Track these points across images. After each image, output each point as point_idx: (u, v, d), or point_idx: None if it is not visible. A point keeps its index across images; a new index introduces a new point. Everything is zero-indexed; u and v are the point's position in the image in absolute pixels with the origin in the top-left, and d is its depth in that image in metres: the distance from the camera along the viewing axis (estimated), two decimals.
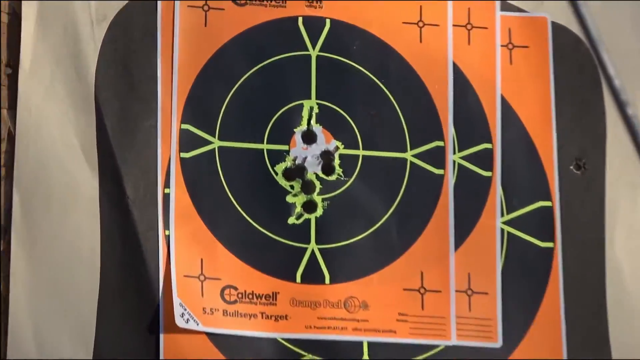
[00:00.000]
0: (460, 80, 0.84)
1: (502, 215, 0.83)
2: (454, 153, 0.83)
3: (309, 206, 0.84)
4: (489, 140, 0.84)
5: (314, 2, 0.82)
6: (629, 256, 0.82)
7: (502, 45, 0.84)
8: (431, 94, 0.84)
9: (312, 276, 0.82)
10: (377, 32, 0.83)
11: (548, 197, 0.82)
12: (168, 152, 0.82)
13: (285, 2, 0.82)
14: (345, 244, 0.83)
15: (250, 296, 0.80)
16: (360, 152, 0.83)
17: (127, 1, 0.81)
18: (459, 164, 0.83)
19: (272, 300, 0.80)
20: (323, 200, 0.83)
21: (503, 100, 0.84)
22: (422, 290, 0.81)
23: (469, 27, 0.83)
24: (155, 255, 0.81)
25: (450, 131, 0.83)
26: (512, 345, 0.81)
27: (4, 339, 0.77)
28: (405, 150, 0.83)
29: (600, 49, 0.47)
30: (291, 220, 0.83)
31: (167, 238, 0.81)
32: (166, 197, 0.82)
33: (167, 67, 0.82)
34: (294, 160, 0.83)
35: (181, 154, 0.82)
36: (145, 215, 0.82)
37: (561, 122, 0.84)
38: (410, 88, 0.84)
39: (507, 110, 0.84)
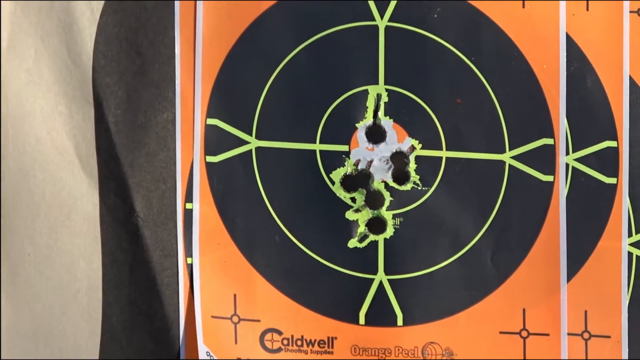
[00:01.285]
0: (576, 59, 0.72)
1: (630, 235, 0.73)
2: (567, 154, 0.73)
3: (376, 225, 0.75)
4: (613, 137, 0.72)
5: None
6: None
7: (631, 12, 0.71)
8: (537, 76, 0.72)
9: (380, 316, 0.74)
10: None
11: None
12: (190, 155, 0.75)
13: None
14: (422, 273, 0.74)
15: (300, 342, 0.74)
16: (444, 154, 0.73)
17: None
18: (573, 167, 0.73)
19: (328, 347, 0.74)
20: (394, 216, 0.74)
21: (633, 84, 0.72)
22: (524, 334, 0.74)
23: None
24: (174, 291, 0.75)
25: (562, 125, 0.72)
26: None
27: None
28: (502, 151, 0.73)
29: None
30: (352, 243, 0.75)
31: (190, 268, 0.75)
32: (188, 213, 0.75)
33: (187, 44, 0.74)
34: (356, 164, 0.74)
35: (207, 157, 0.75)
36: (161, 238, 0.75)
37: None
38: (509, 68, 0.72)
39: (638, 98, 0.72)
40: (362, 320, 0.75)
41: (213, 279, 0.75)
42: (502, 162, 0.74)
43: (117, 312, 0.75)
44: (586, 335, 0.74)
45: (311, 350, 0.74)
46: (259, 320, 0.75)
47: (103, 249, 0.75)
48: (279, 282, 0.75)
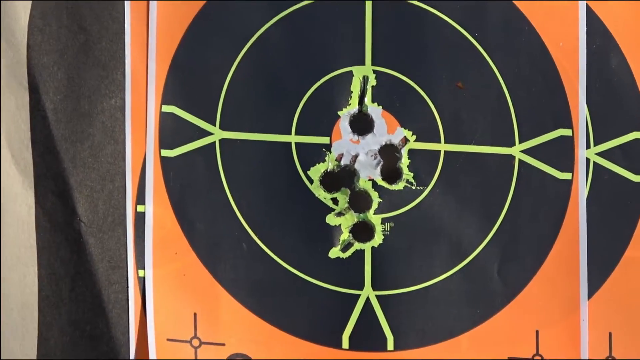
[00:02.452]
0: (598, 34, 0.72)
1: None
2: (588, 147, 0.72)
3: (362, 231, 0.74)
4: None
5: None
6: None
7: None
8: (552, 54, 0.72)
9: (367, 339, 0.73)
10: None
11: None
12: (142, 149, 0.74)
13: None
14: (417, 289, 0.73)
15: None
16: (442, 147, 0.73)
17: None
18: (595, 163, 0.72)
19: None
20: (383, 221, 0.73)
21: None
22: (537, 359, 0.73)
23: None
24: (123, 309, 0.74)
25: (581, 113, 0.72)
26: None
27: None
28: (511, 144, 0.73)
29: None
30: (334, 252, 0.73)
31: (142, 282, 0.74)
32: (139, 217, 0.74)
33: (139, 18, 0.73)
34: (339, 160, 0.73)
35: (162, 151, 0.74)
36: (108, 247, 0.74)
37: None
38: (519, 46, 0.72)
39: None
40: (345, 344, 0.73)
41: (169, 295, 0.74)
42: (511, 157, 0.73)
43: (55, 334, 0.74)
44: None
45: None
46: (223, 344, 0.73)
47: (39, 260, 0.74)
48: (247, 299, 0.74)
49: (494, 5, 0.72)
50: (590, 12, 0.72)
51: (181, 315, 0.74)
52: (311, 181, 0.73)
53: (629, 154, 0.73)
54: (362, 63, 0.73)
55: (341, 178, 0.74)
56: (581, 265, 0.72)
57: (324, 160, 0.73)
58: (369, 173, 0.73)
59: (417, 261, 0.74)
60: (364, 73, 0.73)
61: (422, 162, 0.73)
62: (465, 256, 0.73)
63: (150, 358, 0.72)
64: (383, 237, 0.73)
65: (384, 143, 0.73)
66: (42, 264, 0.73)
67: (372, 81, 0.73)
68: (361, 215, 0.73)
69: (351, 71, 0.73)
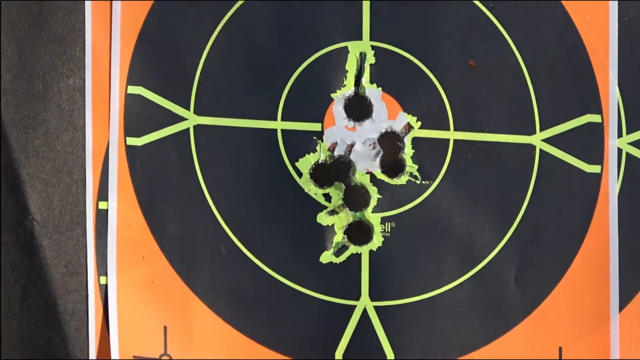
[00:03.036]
0: (632, 6, 0.70)
1: None
2: (619, 136, 0.71)
3: (358, 232, 0.72)
4: None
5: None
6: None
7: None
8: (578, 28, 0.70)
9: (364, 356, 0.71)
10: None
11: None
12: (105, 136, 0.71)
13: None
14: (421, 299, 0.71)
15: None
16: (451, 135, 0.71)
17: None
18: (627, 154, 0.71)
19: None
20: (383, 221, 0.71)
21: None
22: None
23: None
24: (82, 322, 0.71)
25: (612, 97, 0.71)
26: None
27: None
28: (531, 131, 0.71)
29: None
30: (326, 257, 0.71)
31: (104, 290, 0.71)
32: (101, 216, 0.72)
33: None
34: (332, 150, 0.71)
35: (128, 139, 0.71)
36: (65, 250, 0.72)
37: None
38: (541, 19, 0.71)
39: None
40: None
41: (136, 306, 0.71)
42: (531, 147, 0.71)
43: (5, 351, 0.71)
44: None
45: None
46: None
47: None
48: (225, 311, 0.71)
49: None
50: None
51: (149, 329, 0.71)
52: (300, 174, 0.71)
53: None
54: (359, 38, 0.71)
55: (334, 171, 0.72)
56: (611, 272, 0.70)
57: (314, 151, 0.71)
58: (366, 165, 0.71)
59: (421, 267, 0.71)
60: (361, 49, 0.71)
61: (428, 152, 0.71)
62: (477, 261, 0.71)
63: None
64: (382, 239, 0.71)
65: (384, 130, 0.71)
66: None
67: (371, 59, 0.71)
68: (357, 213, 0.71)
69: (346, 47, 0.71)
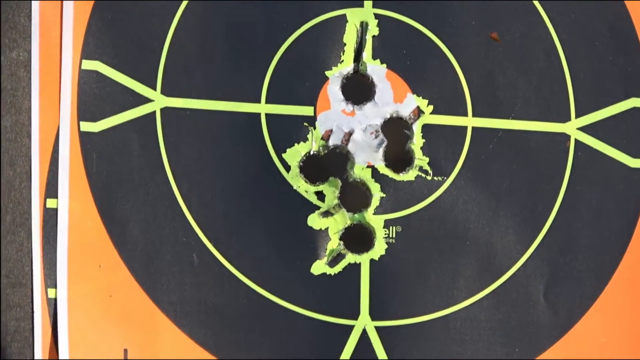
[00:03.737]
0: None
1: None
2: None
3: (357, 238, 0.65)
4: None
5: None
6: None
7: None
8: None
9: None
10: None
11: None
12: (55, 121, 0.64)
13: None
14: (431, 319, 0.65)
15: None
16: (469, 122, 0.65)
17: None
18: None
19: None
20: (387, 224, 0.64)
21: None
22: None
23: None
24: (26, 341, 0.65)
25: None
26: None
27: None
28: (565, 118, 0.65)
29: None
30: (319, 267, 0.64)
31: (53, 304, 0.65)
32: (49, 216, 0.65)
33: None
34: (326, 138, 0.64)
35: (82, 123, 0.64)
36: (6, 257, 0.66)
37: None
38: None
39: None
40: None
41: (90, 324, 0.64)
42: (565, 137, 0.66)
43: None
44: None
45: None
46: None
47: None
48: (197, 330, 0.65)
49: None
50: None
51: (106, 352, 0.65)
52: (288, 168, 0.65)
53: None
54: (360, 5, 0.66)
55: (329, 164, 0.66)
56: None
57: (305, 140, 0.65)
58: (367, 157, 0.65)
59: (432, 280, 0.66)
60: (361, 18, 0.65)
61: (442, 142, 0.65)
62: (500, 273, 0.66)
63: None
64: (386, 246, 0.65)
65: (388, 116, 0.65)
66: None
67: (373, 29, 0.65)
68: (356, 215, 0.66)
69: (344, 15, 0.65)
